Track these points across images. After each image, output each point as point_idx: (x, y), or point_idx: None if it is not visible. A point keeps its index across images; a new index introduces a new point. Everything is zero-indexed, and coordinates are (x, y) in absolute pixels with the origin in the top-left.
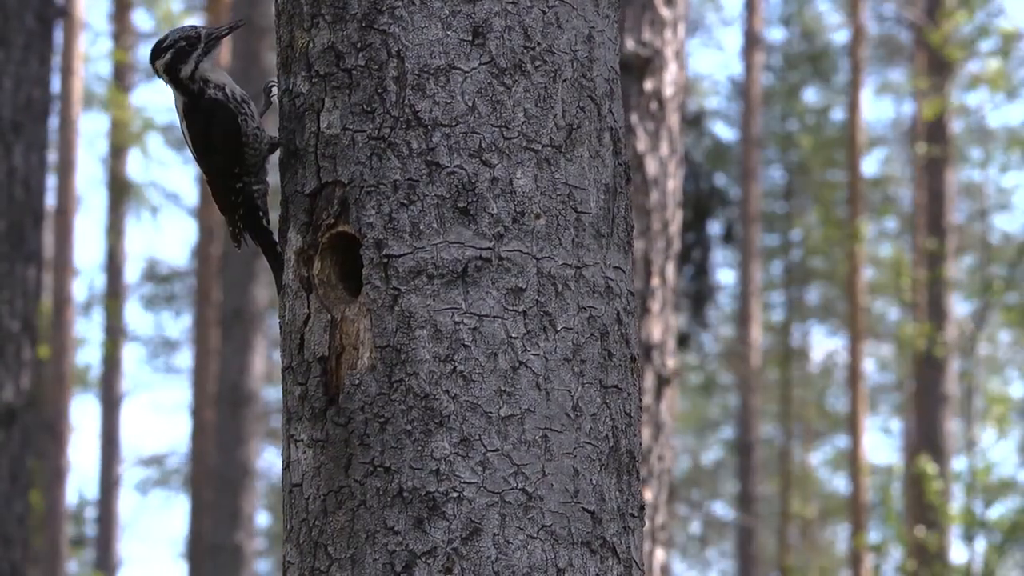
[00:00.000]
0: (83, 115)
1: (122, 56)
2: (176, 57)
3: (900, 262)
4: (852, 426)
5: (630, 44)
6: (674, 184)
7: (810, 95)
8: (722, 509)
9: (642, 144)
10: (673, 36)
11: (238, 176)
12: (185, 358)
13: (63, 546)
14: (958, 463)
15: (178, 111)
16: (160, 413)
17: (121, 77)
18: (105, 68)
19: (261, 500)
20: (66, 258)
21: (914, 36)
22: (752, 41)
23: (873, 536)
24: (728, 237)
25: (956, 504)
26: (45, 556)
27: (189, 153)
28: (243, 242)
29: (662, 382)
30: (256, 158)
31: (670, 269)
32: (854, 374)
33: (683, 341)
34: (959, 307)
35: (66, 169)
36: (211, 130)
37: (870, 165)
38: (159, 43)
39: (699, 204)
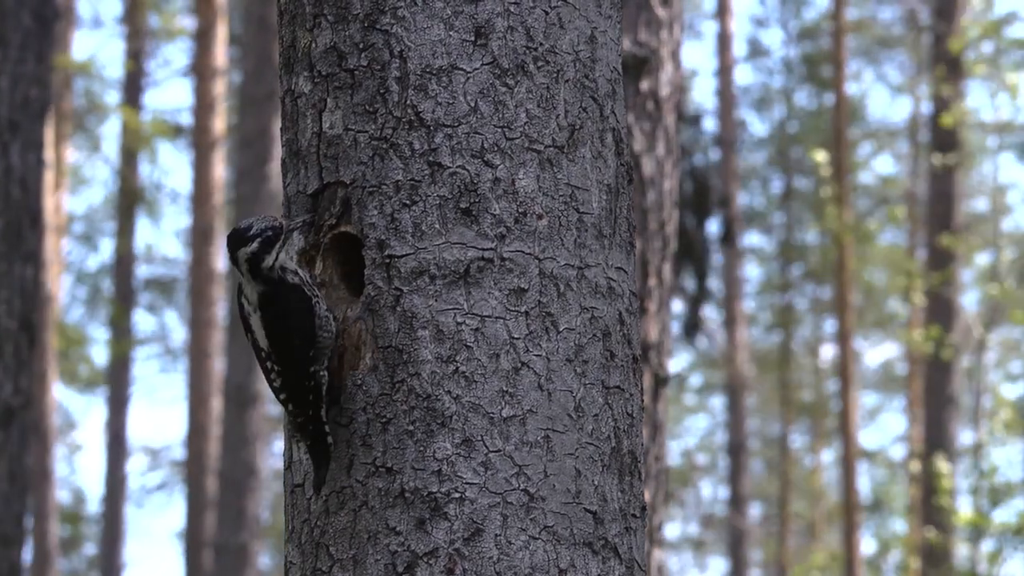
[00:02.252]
0: (92, 117)
1: (132, 65)
2: (262, 247)
3: (908, 263)
4: (844, 425)
5: (626, 44)
6: (671, 184)
7: (806, 96)
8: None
9: (638, 144)
10: (669, 36)
11: (313, 360)
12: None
13: (52, 547)
14: (963, 464)
15: (247, 302)
16: (158, 413)
17: (133, 81)
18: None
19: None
20: (47, 256)
21: (917, 33)
22: (725, 42)
23: (872, 535)
24: (727, 238)
25: (961, 505)
26: (34, 557)
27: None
28: (307, 431)
29: (659, 382)
30: (328, 341)
31: (667, 269)
32: (844, 372)
33: (689, 331)
34: (969, 307)
35: (44, 166)
36: (289, 314)
37: (872, 163)
38: (243, 231)
39: (699, 204)
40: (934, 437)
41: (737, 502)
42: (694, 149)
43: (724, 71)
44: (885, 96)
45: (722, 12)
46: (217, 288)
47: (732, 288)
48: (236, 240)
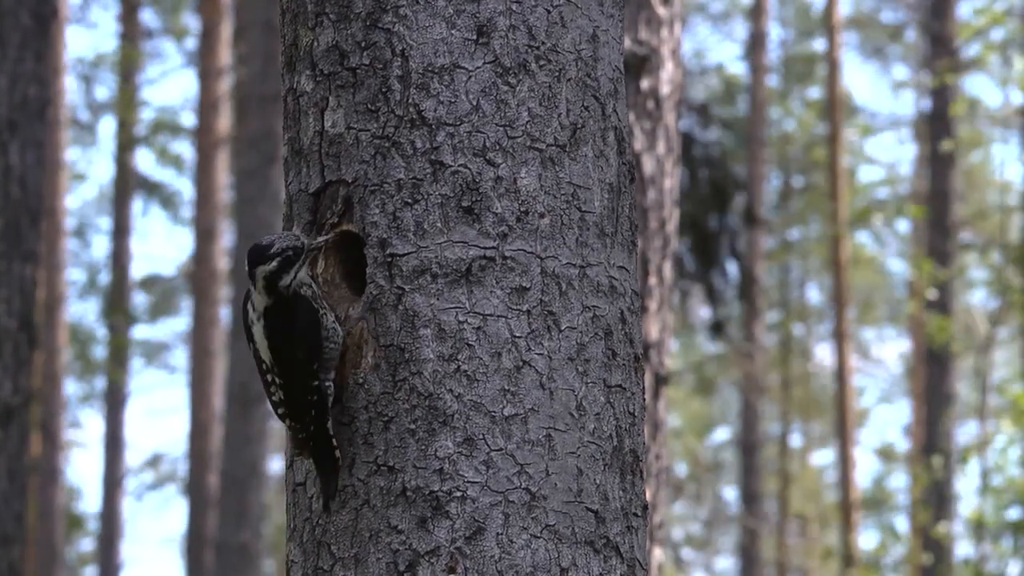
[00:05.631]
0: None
1: (131, 53)
2: (281, 267)
3: (920, 263)
4: (841, 424)
5: (627, 43)
6: (671, 183)
7: (804, 94)
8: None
9: (639, 143)
10: (669, 34)
11: (315, 373)
12: (180, 357)
13: (59, 547)
14: (971, 463)
15: (252, 309)
16: (157, 414)
17: (128, 78)
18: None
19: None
20: (58, 257)
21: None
22: (759, 41)
23: (871, 533)
24: (750, 219)
25: (967, 504)
26: (41, 557)
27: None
28: (308, 447)
29: (660, 381)
30: (334, 352)
31: (667, 268)
32: (841, 371)
33: (719, 328)
34: (967, 304)
35: (55, 168)
36: (295, 324)
37: (875, 161)
38: (264, 248)
39: (717, 191)
40: (932, 434)
41: (749, 500)
42: (706, 139)
43: (756, 71)
44: (886, 91)
45: (757, 11)
46: (220, 287)
47: (751, 285)
48: (256, 257)
